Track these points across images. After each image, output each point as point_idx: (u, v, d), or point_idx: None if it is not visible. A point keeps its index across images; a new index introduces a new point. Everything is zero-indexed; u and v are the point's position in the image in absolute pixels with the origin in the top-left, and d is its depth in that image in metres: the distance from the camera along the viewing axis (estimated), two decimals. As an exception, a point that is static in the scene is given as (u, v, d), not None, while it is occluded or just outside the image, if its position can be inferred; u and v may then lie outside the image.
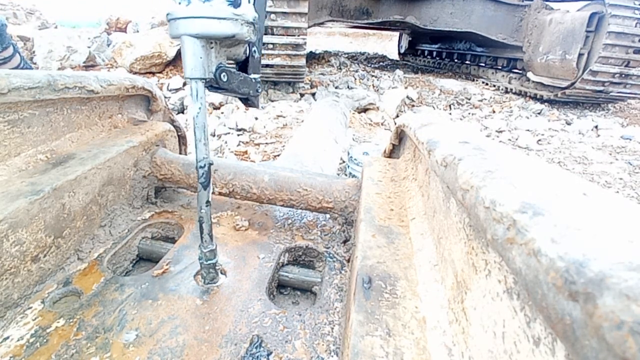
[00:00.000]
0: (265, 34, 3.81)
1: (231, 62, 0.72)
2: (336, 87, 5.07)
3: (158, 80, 4.76)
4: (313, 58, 7.12)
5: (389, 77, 6.00)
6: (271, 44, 3.93)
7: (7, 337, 0.62)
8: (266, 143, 2.89)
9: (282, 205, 1.02)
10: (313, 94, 4.63)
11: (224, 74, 0.63)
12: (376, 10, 5.46)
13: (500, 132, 4.03)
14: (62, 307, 0.70)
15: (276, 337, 0.66)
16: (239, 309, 0.71)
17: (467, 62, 7.36)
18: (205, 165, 0.66)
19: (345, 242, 0.96)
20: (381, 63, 8.55)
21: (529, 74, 5.47)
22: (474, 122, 4.41)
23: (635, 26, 4.08)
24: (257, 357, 0.62)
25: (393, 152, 1.11)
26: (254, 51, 0.77)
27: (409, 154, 0.98)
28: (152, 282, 0.76)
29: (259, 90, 0.77)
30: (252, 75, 0.74)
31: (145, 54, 5.09)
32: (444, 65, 8.10)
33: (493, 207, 0.36)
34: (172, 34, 0.59)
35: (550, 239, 0.27)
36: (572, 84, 4.60)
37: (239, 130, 3.18)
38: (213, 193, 1.04)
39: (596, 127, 4.26)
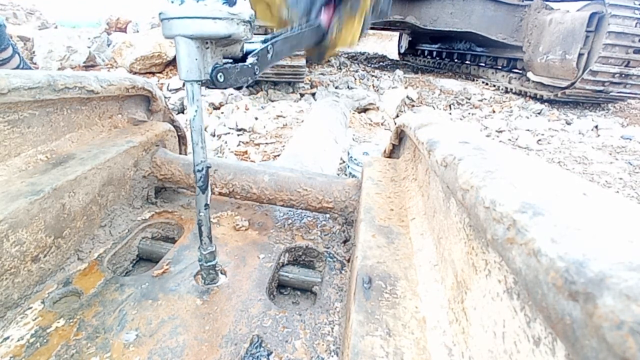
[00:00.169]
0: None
1: (227, 58, 0.70)
2: (336, 87, 5.07)
3: (158, 80, 4.76)
4: (313, 58, 7.10)
5: (389, 77, 6.00)
6: (271, 44, 3.92)
7: (7, 337, 0.62)
8: (266, 143, 2.89)
9: (282, 205, 1.02)
10: (313, 94, 4.63)
11: (220, 74, 0.62)
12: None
13: (500, 132, 4.03)
14: (62, 307, 0.70)
15: (276, 337, 0.66)
16: (239, 309, 0.71)
17: (467, 62, 7.36)
18: (203, 169, 0.65)
19: (345, 242, 0.96)
20: (381, 63, 8.55)
21: (529, 74, 5.47)
22: (474, 122, 4.41)
23: (635, 26, 4.08)
24: (257, 357, 0.62)
25: (393, 152, 1.11)
26: (269, 48, 0.74)
27: (409, 154, 0.98)
28: (152, 282, 0.76)
29: (257, 73, 0.73)
30: (248, 61, 0.70)
31: (145, 54, 5.09)
32: (444, 65, 8.10)
33: (493, 207, 0.36)
34: (165, 35, 0.57)
35: (550, 239, 0.28)
36: (572, 84, 4.60)
37: (239, 130, 3.18)
38: (213, 193, 1.04)
39: (596, 127, 4.26)
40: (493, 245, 0.35)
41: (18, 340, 0.61)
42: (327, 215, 1.06)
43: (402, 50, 9.73)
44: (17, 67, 2.22)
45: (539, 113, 4.77)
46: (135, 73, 5.07)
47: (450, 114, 4.78)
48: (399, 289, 0.56)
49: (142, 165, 1.03)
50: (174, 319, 0.67)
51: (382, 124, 3.80)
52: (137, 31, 6.82)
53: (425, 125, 0.76)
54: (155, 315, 0.68)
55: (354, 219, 0.97)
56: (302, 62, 4.12)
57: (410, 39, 9.24)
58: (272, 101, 4.27)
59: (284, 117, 3.52)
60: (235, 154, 2.68)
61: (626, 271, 0.22)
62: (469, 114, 4.77)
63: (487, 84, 6.46)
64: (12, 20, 7.64)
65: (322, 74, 5.84)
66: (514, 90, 5.82)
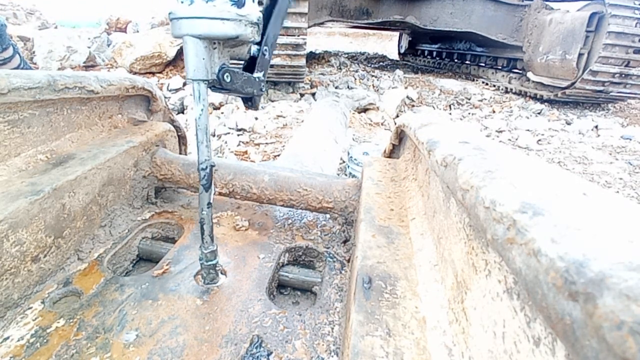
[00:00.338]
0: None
1: (235, 61, 0.71)
2: (336, 87, 5.07)
3: (158, 80, 4.76)
4: (313, 58, 7.12)
5: (389, 77, 6.00)
6: (271, 43, 3.92)
7: (7, 337, 0.62)
8: (266, 143, 2.89)
9: (282, 205, 1.02)
10: (313, 94, 4.63)
11: (227, 74, 0.62)
12: (376, 10, 5.46)
13: (500, 132, 4.03)
14: (62, 307, 0.70)
15: (276, 337, 0.66)
16: (239, 309, 0.71)
17: (467, 62, 7.36)
18: (207, 167, 0.66)
19: (345, 242, 0.96)
20: (381, 63, 8.55)
21: (529, 74, 5.47)
22: (474, 122, 4.41)
23: (635, 26, 4.08)
24: (257, 357, 0.62)
25: (393, 152, 1.11)
26: (265, 50, 0.75)
27: (409, 154, 0.98)
28: (152, 282, 0.76)
29: (263, 90, 0.75)
30: (256, 75, 0.73)
31: (145, 54, 5.09)
32: (444, 65, 8.10)
33: (493, 207, 0.36)
34: (174, 34, 0.58)
35: (550, 239, 0.27)
36: (572, 83, 4.60)
37: (239, 130, 3.18)
38: (213, 194, 1.04)
39: (596, 127, 4.26)
40: (493, 245, 0.35)
41: (18, 340, 0.61)
42: (327, 215, 1.06)
43: (402, 50, 9.73)
44: (18, 67, 2.22)
45: (539, 113, 4.77)
46: (135, 73, 5.07)
47: (450, 114, 4.78)
48: (399, 289, 0.56)
49: (142, 165, 1.03)
50: (174, 319, 0.67)
51: (382, 124, 3.80)
52: (137, 31, 6.82)
53: (425, 125, 0.76)
54: (155, 315, 0.68)
55: (354, 219, 0.97)
56: (302, 62, 4.12)
57: (410, 39, 9.24)
58: (272, 101, 4.27)
59: (284, 117, 3.52)
60: (235, 154, 2.68)
61: (626, 271, 0.22)
62: (469, 114, 4.77)
63: (487, 84, 6.46)
64: (12, 20, 7.64)
65: (322, 74, 5.84)
66: (514, 90, 5.82)
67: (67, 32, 5.69)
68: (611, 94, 4.58)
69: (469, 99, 5.45)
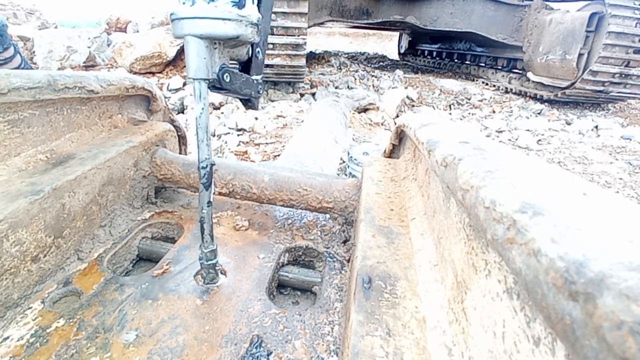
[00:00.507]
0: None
1: (234, 62, 0.72)
2: (336, 87, 5.07)
3: (158, 80, 4.76)
4: (313, 58, 7.12)
5: (389, 77, 6.00)
6: (271, 44, 3.93)
7: (7, 337, 0.62)
8: (266, 143, 2.89)
9: (282, 205, 1.02)
10: (313, 94, 4.63)
11: (227, 74, 0.63)
12: (376, 10, 5.46)
13: (500, 132, 4.03)
14: (62, 307, 0.70)
15: (276, 337, 0.66)
16: (239, 309, 0.71)
17: (467, 62, 7.36)
18: (207, 165, 0.66)
19: (345, 242, 0.96)
20: (381, 63, 8.55)
21: (529, 74, 5.47)
22: (474, 122, 4.41)
23: (635, 26, 4.08)
24: (257, 357, 0.62)
25: (393, 152, 1.11)
26: (258, 52, 0.76)
27: (409, 154, 0.98)
28: (152, 282, 0.76)
29: (260, 92, 0.77)
30: (254, 77, 0.74)
31: (145, 54, 5.09)
32: (444, 65, 8.10)
33: (493, 207, 0.36)
34: (175, 34, 0.59)
35: (550, 239, 0.27)
36: (572, 84, 4.60)
37: (239, 130, 3.18)
38: (213, 193, 1.04)
39: (596, 127, 4.26)
40: (493, 245, 0.35)
41: (18, 340, 0.61)
42: (327, 215, 1.06)
43: (402, 50, 9.73)
44: (19, 67, 2.22)
45: (539, 113, 4.77)
46: (135, 73, 5.07)
47: (450, 114, 4.78)
48: (399, 289, 0.56)
49: (142, 165, 1.03)
50: (173, 319, 0.67)
51: (382, 124, 3.80)
52: (137, 31, 6.82)
53: (425, 125, 0.76)
54: (155, 315, 0.68)
55: (354, 219, 0.97)
56: (302, 62, 4.12)
57: (410, 39, 9.24)
58: (272, 101, 4.27)
59: (284, 117, 3.52)
60: (235, 154, 2.68)
61: (626, 271, 0.22)
62: (469, 114, 4.77)
63: (487, 84, 6.46)
64: (12, 20, 7.64)
65: (322, 74, 5.84)
66: (514, 91, 5.82)
67: (67, 32, 5.69)
68: (611, 94, 4.58)
69: (469, 99, 5.45)
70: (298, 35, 3.93)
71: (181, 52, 5.26)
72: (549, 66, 4.86)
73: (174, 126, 1.21)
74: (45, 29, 6.70)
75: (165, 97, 1.24)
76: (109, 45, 5.99)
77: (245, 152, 2.71)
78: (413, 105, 4.92)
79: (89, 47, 5.55)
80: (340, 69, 6.42)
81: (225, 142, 2.88)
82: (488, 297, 0.40)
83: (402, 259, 0.63)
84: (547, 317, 0.26)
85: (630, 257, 0.24)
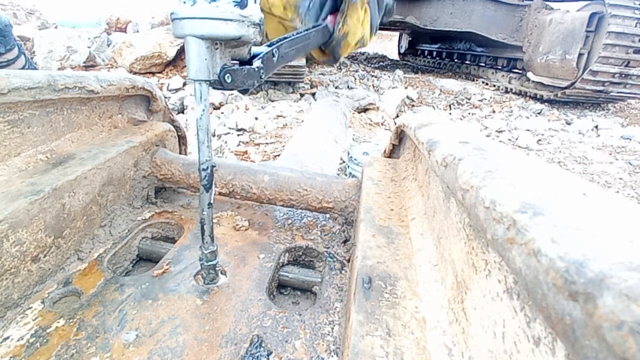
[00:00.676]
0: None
1: (234, 61, 0.71)
2: (336, 87, 5.07)
3: (158, 80, 4.76)
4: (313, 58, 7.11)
5: (389, 77, 6.00)
6: (271, 44, 3.92)
7: (7, 337, 0.62)
8: (266, 143, 2.89)
9: (282, 205, 1.02)
10: (313, 94, 4.63)
11: (228, 75, 0.62)
12: (376, 10, 5.45)
13: (500, 132, 4.03)
14: (62, 307, 0.69)
15: (276, 337, 0.66)
16: (239, 309, 0.71)
17: (467, 62, 7.37)
18: (208, 167, 0.65)
19: (345, 242, 0.96)
20: (381, 63, 8.55)
21: (529, 74, 5.47)
22: (474, 122, 4.41)
23: (635, 26, 4.08)
24: (257, 357, 0.62)
25: (393, 152, 1.11)
26: (274, 51, 0.74)
27: (409, 154, 0.98)
28: (152, 282, 0.76)
29: (263, 77, 0.74)
30: (255, 64, 0.71)
31: (145, 54, 5.09)
32: (444, 65, 8.10)
33: (493, 207, 0.36)
34: (176, 34, 0.58)
35: (550, 239, 0.27)
36: (572, 84, 4.61)
37: (239, 130, 3.18)
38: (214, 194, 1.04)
39: (596, 127, 4.26)
40: (493, 245, 0.35)
41: (18, 340, 0.61)
42: (327, 215, 1.06)
43: (402, 50, 9.74)
44: (23, 68, 2.21)
45: (539, 113, 4.77)
46: (135, 73, 5.07)
47: (450, 114, 4.78)
48: (399, 289, 0.56)
49: (142, 165, 1.03)
50: (174, 319, 0.67)
51: (382, 124, 3.80)
52: (137, 31, 6.82)
53: (425, 125, 0.76)
54: (155, 315, 0.68)
55: (354, 219, 0.97)
56: (302, 62, 4.12)
57: (410, 39, 9.24)
58: (272, 101, 4.27)
59: (284, 117, 3.52)
60: (235, 154, 2.68)
61: (626, 271, 0.22)
62: (469, 114, 4.77)
63: (487, 84, 6.46)
64: (12, 20, 7.64)
65: (322, 74, 5.84)
66: (514, 90, 5.82)
67: (67, 32, 5.70)
68: (611, 94, 4.58)
69: (469, 99, 5.45)
70: (298, 35, 3.92)
71: (181, 52, 5.26)
72: (549, 66, 4.86)
73: (174, 126, 1.21)
74: (45, 29, 6.70)
75: (165, 97, 1.24)
76: (109, 45, 5.99)
77: (245, 152, 2.71)
78: (413, 105, 4.92)
79: (89, 47, 5.55)
80: (340, 69, 6.42)
81: (225, 142, 2.88)
82: (488, 297, 0.40)
83: (402, 259, 0.63)
84: (547, 317, 0.26)
85: (630, 257, 0.24)
